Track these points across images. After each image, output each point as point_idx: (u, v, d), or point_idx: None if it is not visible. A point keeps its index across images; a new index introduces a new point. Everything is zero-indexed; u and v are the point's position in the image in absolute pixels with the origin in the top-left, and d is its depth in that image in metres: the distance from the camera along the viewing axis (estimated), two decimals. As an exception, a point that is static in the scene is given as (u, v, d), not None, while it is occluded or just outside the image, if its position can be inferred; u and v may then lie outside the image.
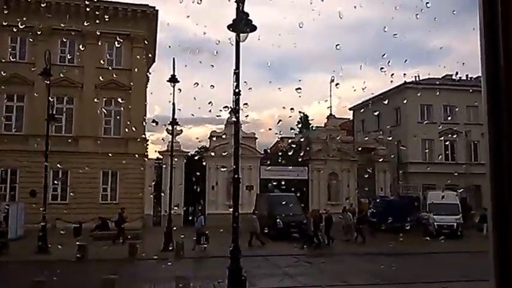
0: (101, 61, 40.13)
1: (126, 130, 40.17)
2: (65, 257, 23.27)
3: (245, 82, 14.61)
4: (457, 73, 51.17)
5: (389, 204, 39.27)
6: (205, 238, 28.27)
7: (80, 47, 39.89)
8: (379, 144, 49.60)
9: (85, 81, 40.51)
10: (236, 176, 14.82)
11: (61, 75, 35.25)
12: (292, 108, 46.18)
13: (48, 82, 27.56)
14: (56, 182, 37.53)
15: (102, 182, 40.21)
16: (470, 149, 49.53)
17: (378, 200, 41.98)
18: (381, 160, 47.96)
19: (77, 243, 25.00)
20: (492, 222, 1.44)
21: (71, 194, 37.92)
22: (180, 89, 30.37)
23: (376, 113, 51.95)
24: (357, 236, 33.34)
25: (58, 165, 32.94)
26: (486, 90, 1.41)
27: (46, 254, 24.90)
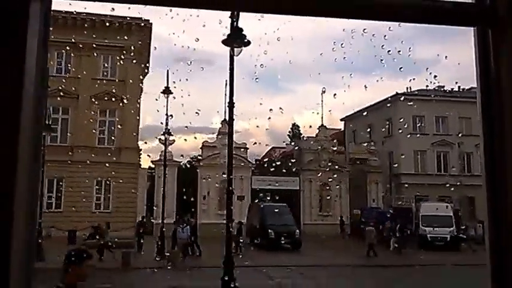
0: (96, 72, 40.78)
1: (120, 140, 40.47)
2: (61, 264, 23.23)
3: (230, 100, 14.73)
4: (456, 83, 51.01)
5: (381, 215, 39.10)
6: (193, 249, 28.08)
7: (76, 58, 40.32)
8: (371, 155, 49.70)
9: (80, 92, 40.65)
10: (230, 187, 14.91)
11: (57, 86, 35.44)
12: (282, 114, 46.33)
13: (46, 93, 27.70)
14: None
15: (96, 191, 40.25)
16: (463, 160, 49.46)
17: (369, 211, 41.93)
18: (373, 171, 48.09)
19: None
20: (489, 234, 1.49)
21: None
22: (174, 97, 30.62)
23: (367, 124, 52.03)
24: None
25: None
26: (480, 103, 1.55)
27: (42, 262, 24.83)
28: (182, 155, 43.51)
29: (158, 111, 29.58)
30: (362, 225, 38.51)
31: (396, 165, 47.25)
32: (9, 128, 1.23)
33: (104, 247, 27.45)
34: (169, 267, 23.96)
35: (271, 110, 52.61)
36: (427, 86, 44.56)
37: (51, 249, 26.01)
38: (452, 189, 38.87)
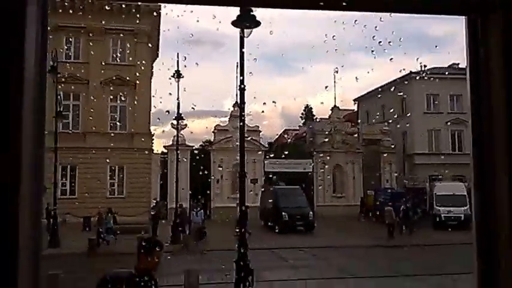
0: (106, 57, 40.60)
1: (132, 125, 40.56)
2: (77, 250, 23.69)
3: (251, 73, 14.62)
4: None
5: (395, 196, 38.86)
6: (203, 234, 28.30)
7: (85, 43, 40.43)
8: (384, 135, 49.44)
9: (91, 78, 40.69)
10: (243, 171, 14.91)
11: (67, 72, 35.52)
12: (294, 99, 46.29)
13: (56, 79, 27.83)
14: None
15: (110, 176, 40.48)
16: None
17: (383, 192, 41.81)
18: (386, 151, 47.87)
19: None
20: (475, 215, 1.52)
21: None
22: (184, 89, 30.59)
23: (381, 104, 51.65)
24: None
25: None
26: (470, 86, 1.56)
27: (58, 248, 25.15)
28: (189, 142, 43.13)
29: (175, 95, 29.39)
30: (377, 206, 38.56)
31: (408, 144, 47.00)
32: (10, 132, 1.21)
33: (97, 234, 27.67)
34: (169, 253, 24.18)
35: (255, 98, 52.39)
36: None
37: (67, 235, 26.52)
38: (466, 168, 38.52)
